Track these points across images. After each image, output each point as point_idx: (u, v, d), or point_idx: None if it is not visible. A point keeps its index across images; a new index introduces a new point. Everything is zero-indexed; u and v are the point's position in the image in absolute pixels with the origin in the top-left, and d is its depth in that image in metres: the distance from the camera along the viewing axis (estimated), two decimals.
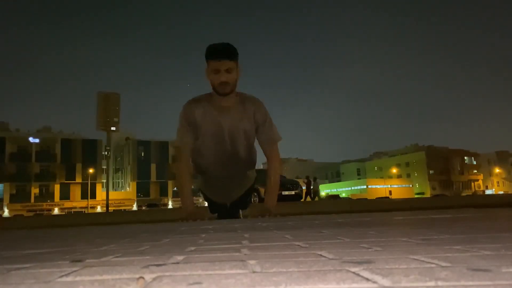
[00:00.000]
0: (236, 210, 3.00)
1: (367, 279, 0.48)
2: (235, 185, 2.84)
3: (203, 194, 2.98)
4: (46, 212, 47.84)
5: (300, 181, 15.95)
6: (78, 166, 52.63)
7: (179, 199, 2.65)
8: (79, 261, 0.76)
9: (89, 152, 53.40)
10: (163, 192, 57.60)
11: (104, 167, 52.47)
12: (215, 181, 2.81)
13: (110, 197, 45.44)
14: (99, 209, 50.03)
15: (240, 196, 2.92)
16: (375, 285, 0.45)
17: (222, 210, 2.96)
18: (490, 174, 78.26)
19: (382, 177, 73.15)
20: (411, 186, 70.42)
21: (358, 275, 0.51)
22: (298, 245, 0.88)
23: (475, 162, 76.56)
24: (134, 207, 51.38)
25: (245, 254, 0.76)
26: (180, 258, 0.74)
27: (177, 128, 2.58)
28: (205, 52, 2.42)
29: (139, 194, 56.22)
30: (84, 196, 50.85)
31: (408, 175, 74.25)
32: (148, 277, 0.55)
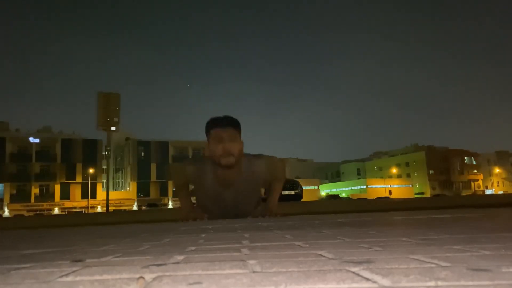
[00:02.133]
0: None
1: (367, 279, 0.48)
2: (237, 215, 2.67)
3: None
4: (46, 212, 47.86)
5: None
6: (78, 166, 52.63)
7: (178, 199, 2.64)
8: (79, 261, 0.76)
9: (89, 152, 53.41)
10: (163, 192, 57.60)
11: (104, 167, 52.47)
12: (215, 216, 2.65)
13: (110, 197, 45.44)
14: (99, 209, 50.04)
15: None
16: (375, 285, 0.45)
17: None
18: (490, 174, 78.27)
19: (382, 177, 73.16)
20: (411, 186, 70.44)
21: (358, 275, 0.51)
22: (298, 245, 0.88)
23: (475, 162, 76.56)
24: (134, 207, 51.39)
25: (245, 254, 0.76)
26: (180, 258, 0.74)
27: (174, 183, 2.57)
28: (206, 125, 2.36)
29: (139, 194, 56.23)
30: (84, 196, 50.85)
31: (408, 175, 74.26)
32: (148, 277, 0.55)
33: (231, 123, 2.34)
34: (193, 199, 2.73)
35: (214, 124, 2.34)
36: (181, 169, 2.53)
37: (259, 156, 2.50)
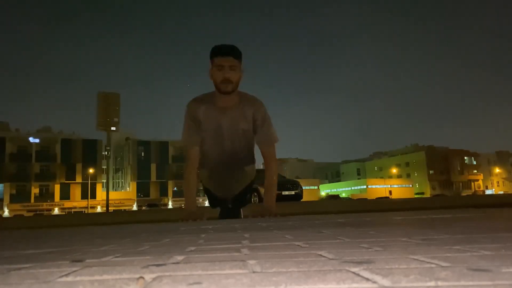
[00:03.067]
0: (236, 206, 3.00)
1: (367, 279, 0.48)
2: (234, 180, 2.85)
3: (204, 187, 2.99)
4: (46, 212, 47.85)
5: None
6: (78, 166, 52.62)
7: (182, 198, 2.73)
8: (79, 261, 0.76)
9: (89, 152, 53.40)
10: (163, 192, 57.59)
11: (104, 167, 52.45)
12: (216, 176, 2.84)
13: (110, 197, 45.42)
14: (99, 209, 50.03)
15: (240, 191, 2.93)
16: (375, 285, 0.45)
17: (222, 205, 2.98)
18: (490, 174, 78.27)
19: (382, 177, 73.16)
20: (411, 186, 70.44)
21: (358, 275, 0.51)
22: (298, 245, 0.88)
23: (475, 162, 76.55)
24: (134, 207, 51.38)
25: (245, 254, 0.76)
26: (180, 258, 0.74)
27: (184, 127, 2.64)
28: (210, 52, 2.49)
29: (139, 194, 56.21)
30: (84, 196, 50.84)
31: (408, 175, 74.26)
32: (148, 277, 0.55)
33: (232, 52, 2.46)
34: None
35: (217, 51, 2.47)
36: (188, 113, 2.63)
37: (258, 99, 2.65)
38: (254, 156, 2.87)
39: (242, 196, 2.98)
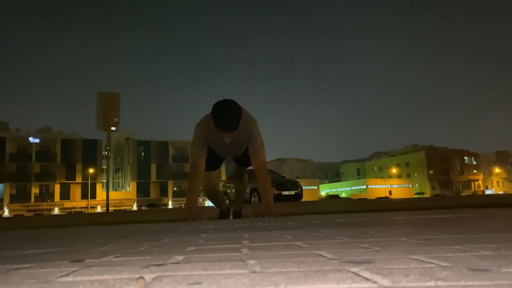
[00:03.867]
0: (238, 163, 3.36)
1: (367, 279, 0.48)
2: (236, 149, 3.19)
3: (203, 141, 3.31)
4: (46, 212, 47.86)
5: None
6: (78, 166, 52.63)
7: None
8: (79, 261, 0.76)
9: (89, 152, 53.40)
10: (163, 192, 57.61)
11: (104, 167, 52.50)
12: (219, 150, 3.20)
13: (110, 197, 45.47)
14: (99, 209, 50.05)
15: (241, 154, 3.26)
16: (375, 285, 0.45)
17: (218, 163, 3.34)
18: (490, 174, 78.32)
19: (382, 177, 73.20)
20: (411, 186, 70.48)
21: (358, 275, 0.51)
22: (298, 245, 0.88)
23: (475, 162, 76.58)
24: (134, 207, 51.39)
25: (245, 254, 0.76)
26: (180, 258, 0.74)
27: (194, 141, 3.01)
28: (213, 114, 2.74)
29: (139, 194, 56.23)
30: (84, 196, 50.86)
31: (408, 175, 74.30)
32: (148, 277, 0.55)
33: (233, 128, 2.75)
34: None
35: (218, 126, 2.74)
36: (196, 132, 3.00)
37: (251, 121, 2.95)
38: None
39: (242, 158, 3.26)
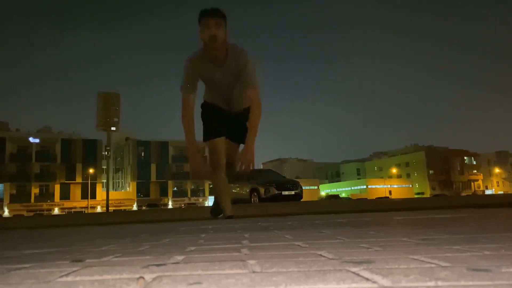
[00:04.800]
0: (239, 132, 3.14)
1: (367, 279, 0.48)
2: (234, 100, 3.10)
3: (205, 106, 3.17)
4: (46, 212, 47.86)
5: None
6: (78, 166, 52.62)
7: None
8: (79, 261, 0.76)
9: (89, 152, 53.40)
10: (163, 192, 57.59)
11: (104, 167, 52.47)
12: (217, 96, 3.12)
13: (110, 197, 45.42)
14: (99, 209, 50.04)
15: (241, 113, 3.12)
16: (375, 285, 0.45)
17: (223, 125, 3.14)
18: (490, 174, 78.31)
19: (382, 177, 73.19)
20: (411, 186, 70.47)
21: (358, 275, 0.51)
22: (298, 245, 0.88)
23: (475, 162, 76.58)
24: (134, 207, 51.39)
25: (245, 254, 0.76)
26: (180, 258, 0.74)
27: (183, 78, 2.93)
28: (198, 16, 2.79)
29: (139, 194, 56.22)
30: (84, 196, 50.85)
31: (408, 175, 74.29)
32: (148, 277, 0.55)
33: (216, 12, 2.79)
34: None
35: (203, 13, 2.78)
36: (187, 66, 2.92)
37: (244, 50, 2.94)
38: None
39: (243, 128, 3.09)
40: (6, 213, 45.78)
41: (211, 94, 3.15)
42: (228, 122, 3.16)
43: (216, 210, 3.41)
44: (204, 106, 3.19)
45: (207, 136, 3.11)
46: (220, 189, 3.15)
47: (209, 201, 54.69)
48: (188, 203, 49.76)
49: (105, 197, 45.85)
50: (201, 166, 2.95)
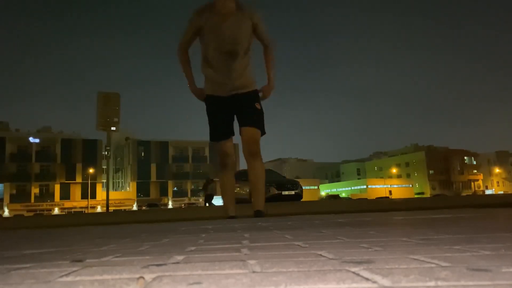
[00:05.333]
0: (250, 108, 2.99)
1: (367, 279, 0.48)
2: (236, 70, 2.96)
3: (209, 102, 3.07)
4: (46, 212, 47.87)
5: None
6: (78, 166, 52.67)
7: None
8: (79, 261, 0.76)
9: (89, 152, 53.44)
10: (163, 192, 57.62)
11: (104, 167, 52.47)
12: (216, 62, 2.97)
13: (110, 197, 45.39)
14: (99, 209, 50.05)
15: (244, 94, 2.99)
16: (375, 285, 0.45)
17: (229, 122, 3.03)
18: (490, 174, 78.32)
19: (382, 177, 73.21)
20: (411, 186, 70.48)
21: (358, 275, 0.51)
22: (298, 245, 0.88)
23: (475, 162, 76.60)
24: (134, 207, 51.40)
25: (245, 254, 0.76)
26: (180, 258, 0.74)
27: (185, 28, 3.00)
28: None
29: (139, 194, 56.25)
30: (84, 196, 50.88)
31: (408, 175, 74.31)
32: (148, 277, 0.55)
33: None
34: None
35: None
36: (191, 18, 2.95)
37: (253, 6, 2.97)
38: (250, 59, 3.08)
39: (248, 104, 2.99)
40: (6, 213, 45.79)
41: (210, 75, 3.00)
42: (233, 112, 3.02)
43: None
44: (208, 102, 3.07)
45: (213, 139, 3.04)
46: (226, 189, 3.09)
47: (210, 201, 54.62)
48: (188, 203, 49.75)
49: (105, 197, 45.84)
50: (199, 95, 3.06)
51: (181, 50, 3.07)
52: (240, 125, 2.98)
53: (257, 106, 3.01)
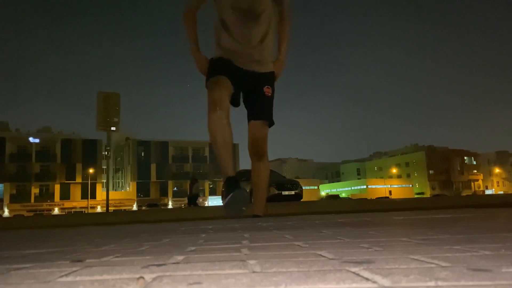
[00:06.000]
0: (260, 94, 2.67)
1: (367, 279, 0.48)
2: (256, 36, 2.61)
3: (214, 60, 2.69)
4: (46, 212, 47.88)
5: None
6: (78, 166, 52.67)
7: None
8: (79, 261, 0.76)
9: (89, 152, 53.45)
10: (163, 192, 57.63)
11: (104, 167, 52.51)
12: (236, 24, 2.60)
13: (110, 197, 45.46)
14: (99, 209, 50.06)
15: (260, 74, 2.67)
16: (375, 285, 0.45)
17: (228, 71, 2.61)
18: (490, 174, 78.32)
19: (382, 177, 73.21)
20: (411, 186, 70.49)
21: (358, 275, 0.51)
22: (298, 245, 0.88)
23: (475, 162, 76.60)
24: (134, 207, 51.41)
25: (245, 254, 0.76)
26: (180, 258, 0.74)
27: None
28: None
29: (139, 194, 56.25)
30: (84, 196, 50.89)
31: (408, 175, 74.31)
32: (148, 277, 0.55)
33: None
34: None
35: None
36: None
37: None
38: (273, 39, 2.73)
39: (264, 99, 2.66)
40: (6, 213, 45.80)
41: (224, 41, 2.63)
42: (242, 87, 2.62)
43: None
44: (213, 61, 2.67)
45: (211, 76, 2.56)
46: (216, 140, 2.35)
47: (209, 201, 54.70)
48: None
49: (105, 197, 45.87)
50: (202, 64, 2.68)
51: (189, 12, 2.71)
52: (249, 117, 2.65)
53: (269, 92, 2.66)
